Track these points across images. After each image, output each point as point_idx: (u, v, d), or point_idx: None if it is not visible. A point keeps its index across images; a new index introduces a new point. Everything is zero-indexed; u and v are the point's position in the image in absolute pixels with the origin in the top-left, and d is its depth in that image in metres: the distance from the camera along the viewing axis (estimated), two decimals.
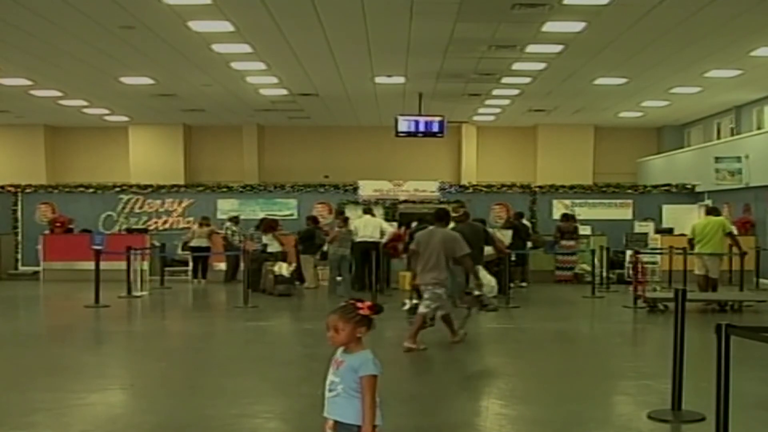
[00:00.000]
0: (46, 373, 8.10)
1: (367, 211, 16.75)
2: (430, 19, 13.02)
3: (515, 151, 27.37)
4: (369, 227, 15.67)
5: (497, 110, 23.58)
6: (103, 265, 13.93)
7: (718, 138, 23.18)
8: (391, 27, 13.59)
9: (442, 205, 15.86)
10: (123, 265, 14.68)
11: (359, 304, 3.89)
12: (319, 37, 14.14)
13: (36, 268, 19.18)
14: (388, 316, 12.82)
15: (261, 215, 19.17)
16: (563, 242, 17.84)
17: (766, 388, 7.69)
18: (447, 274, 9.53)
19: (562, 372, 8.66)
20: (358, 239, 15.41)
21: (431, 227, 9.97)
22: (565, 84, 18.81)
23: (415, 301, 10.34)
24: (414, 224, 16.59)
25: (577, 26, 13.39)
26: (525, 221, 17.82)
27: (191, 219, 20.28)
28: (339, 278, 16.01)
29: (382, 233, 15.73)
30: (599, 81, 18.39)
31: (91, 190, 21.40)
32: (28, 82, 18.58)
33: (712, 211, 15.05)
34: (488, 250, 13.85)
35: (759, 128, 20.59)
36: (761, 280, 17.04)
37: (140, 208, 21.24)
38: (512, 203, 20.47)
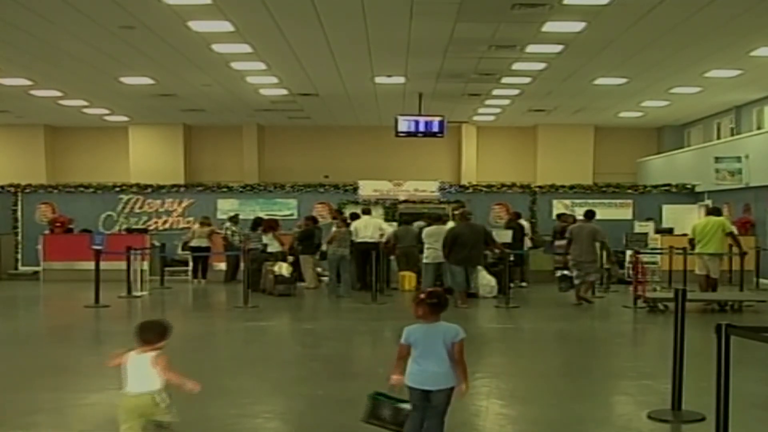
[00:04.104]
0: (46, 373, 8.10)
1: (366, 211, 16.74)
2: (430, 19, 13.02)
3: (515, 151, 27.38)
4: (369, 228, 15.67)
5: (497, 110, 23.59)
6: (103, 265, 13.93)
7: (718, 138, 23.18)
8: (391, 27, 13.59)
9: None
10: (123, 265, 14.67)
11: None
12: (319, 37, 14.14)
13: (36, 268, 19.16)
14: (386, 317, 12.87)
15: (261, 215, 19.12)
16: (557, 242, 17.85)
17: (766, 388, 7.69)
18: (596, 256, 13.94)
19: (562, 372, 8.66)
20: (358, 240, 15.41)
21: (580, 222, 14.56)
22: (565, 84, 18.81)
23: (565, 272, 14.15)
24: (416, 224, 16.63)
25: (577, 26, 13.39)
26: (523, 221, 17.79)
27: (191, 219, 20.27)
28: (325, 278, 16.22)
29: (382, 234, 15.76)
30: (599, 81, 18.39)
31: (91, 190, 21.38)
32: (28, 82, 18.58)
33: (713, 212, 15.04)
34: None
35: (759, 128, 20.59)
36: (761, 280, 17.02)
37: (140, 208, 21.23)
38: (512, 203, 20.47)
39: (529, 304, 14.50)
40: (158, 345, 5.07)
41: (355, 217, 16.51)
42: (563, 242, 17.70)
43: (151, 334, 5.11)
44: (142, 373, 4.94)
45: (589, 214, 14.59)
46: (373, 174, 23.14)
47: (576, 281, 13.90)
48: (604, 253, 14.93)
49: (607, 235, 14.63)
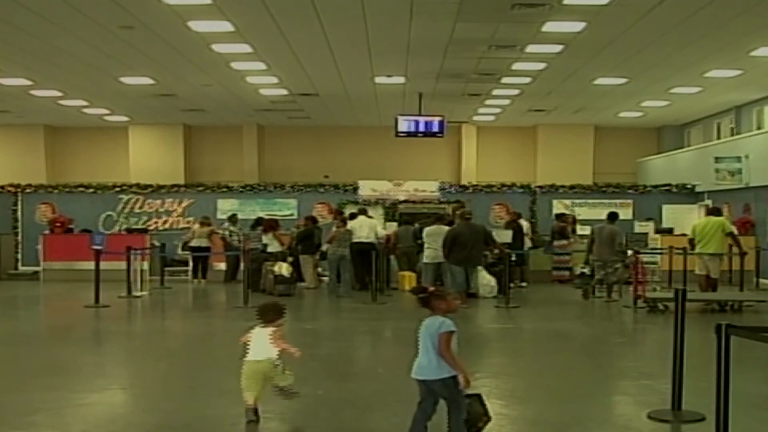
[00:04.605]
0: (46, 373, 8.10)
1: (362, 211, 16.73)
2: (430, 19, 13.02)
3: (515, 151, 27.38)
4: (365, 228, 15.66)
5: (497, 110, 23.59)
6: (103, 265, 13.92)
7: (718, 138, 23.18)
8: (391, 27, 13.59)
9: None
10: (123, 265, 14.67)
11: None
12: (319, 37, 14.14)
13: (36, 268, 19.17)
14: (386, 317, 12.87)
15: (261, 215, 19.14)
16: (555, 242, 17.88)
17: (766, 388, 7.69)
18: (616, 255, 14.30)
19: (562, 372, 8.66)
20: (355, 239, 15.41)
21: (602, 224, 14.91)
22: (565, 84, 18.81)
23: (584, 270, 15.11)
24: (417, 224, 16.65)
25: (577, 26, 13.40)
26: (522, 221, 17.79)
27: (191, 219, 20.28)
28: (326, 278, 16.17)
29: (378, 234, 15.78)
30: (599, 81, 18.39)
31: (91, 190, 21.38)
32: (28, 82, 18.59)
33: (713, 212, 15.03)
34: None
35: (759, 128, 20.59)
36: (761, 280, 17.03)
37: (140, 208, 21.23)
38: (512, 203, 20.47)
39: (529, 304, 14.49)
40: (278, 322, 6.16)
41: (352, 217, 16.51)
42: (563, 242, 17.80)
43: (272, 314, 6.16)
44: (263, 343, 6.02)
45: (612, 216, 15.05)
46: (373, 174, 23.14)
47: (597, 277, 14.48)
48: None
49: (623, 238, 15.15)
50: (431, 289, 5.28)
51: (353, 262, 15.41)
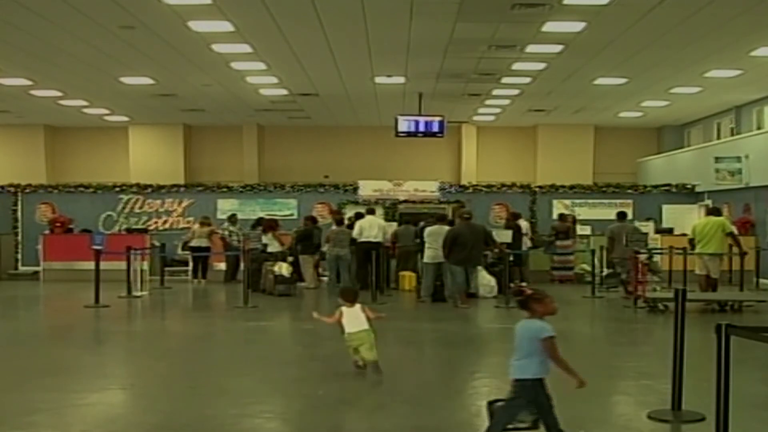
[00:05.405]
0: (46, 373, 8.09)
1: (371, 211, 16.70)
2: (430, 19, 13.03)
3: (515, 151, 27.39)
4: (374, 228, 15.58)
5: (497, 110, 23.59)
6: (103, 265, 13.91)
7: (718, 138, 23.18)
8: (391, 27, 13.59)
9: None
10: (123, 265, 14.66)
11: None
12: (319, 37, 14.14)
13: (36, 268, 19.16)
14: (386, 317, 12.83)
15: (261, 215, 19.15)
16: (558, 242, 17.87)
17: (766, 388, 7.69)
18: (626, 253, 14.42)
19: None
20: (362, 239, 15.34)
21: (617, 223, 15.33)
22: (565, 84, 18.81)
23: (610, 270, 15.61)
24: (421, 224, 16.65)
25: (577, 26, 13.40)
26: (521, 221, 17.77)
27: (191, 219, 20.28)
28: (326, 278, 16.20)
29: (385, 234, 15.76)
30: (599, 81, 18.39)
31: (91, 190, 21.38)
32: (28, 82, 18.59)
33: (713, 212, 15.03)
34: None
35: (759, 128, 20.60)
36: (761, 280, 17.02)
37: (140, 208, 21.23)
38: (512, 203, 20.47)
39: None
40: (357, 301, 7.75)
41: (359, 216, 16.48)
42: (567, 242, 17.79)
43: (351, 295, 7.85)
44: (358, 318, 7.63)
45: (622, 215, 15.65)
46: (373, 174, 23.14)
47: (623, 277, 14.88)
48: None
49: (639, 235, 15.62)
50: (529, 291, 5.25)
51: (358, 261, 15.35)
